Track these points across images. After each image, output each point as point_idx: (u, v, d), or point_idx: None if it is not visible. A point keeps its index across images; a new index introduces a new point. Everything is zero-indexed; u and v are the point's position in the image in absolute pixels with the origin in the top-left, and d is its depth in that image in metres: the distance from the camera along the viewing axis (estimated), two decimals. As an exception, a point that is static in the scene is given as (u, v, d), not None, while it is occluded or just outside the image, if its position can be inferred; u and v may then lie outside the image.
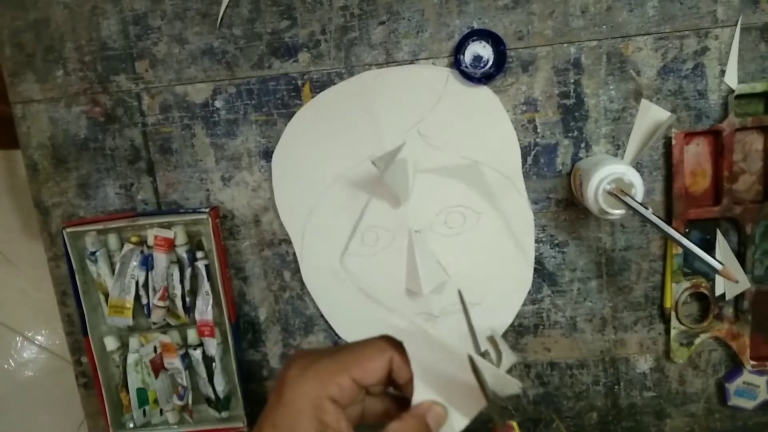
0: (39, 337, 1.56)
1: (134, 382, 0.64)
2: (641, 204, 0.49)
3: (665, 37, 0.55)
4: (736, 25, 0.55)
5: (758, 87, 0.55)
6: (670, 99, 0.57)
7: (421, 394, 0.34)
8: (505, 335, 0.63)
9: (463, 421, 0.34)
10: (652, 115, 0.57)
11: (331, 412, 0.31)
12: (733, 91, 0.56)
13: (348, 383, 0.32)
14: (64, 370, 1.51)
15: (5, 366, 1.55)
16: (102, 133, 0.61)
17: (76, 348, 0.67)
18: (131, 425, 0.65)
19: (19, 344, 1.55)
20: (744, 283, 0.58)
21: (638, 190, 0.51)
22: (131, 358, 0.63)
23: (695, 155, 0.58)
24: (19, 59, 0.60)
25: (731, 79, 0.56)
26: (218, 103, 0.60)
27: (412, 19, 0.57)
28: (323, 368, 0.32)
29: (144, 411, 0.64)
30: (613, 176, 0.51)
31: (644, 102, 0.57)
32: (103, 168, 0.62)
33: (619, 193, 0.50)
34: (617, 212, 0.51)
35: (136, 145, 0.61)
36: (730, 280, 0.47)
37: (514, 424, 0.34)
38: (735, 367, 0.62)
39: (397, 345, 0.34)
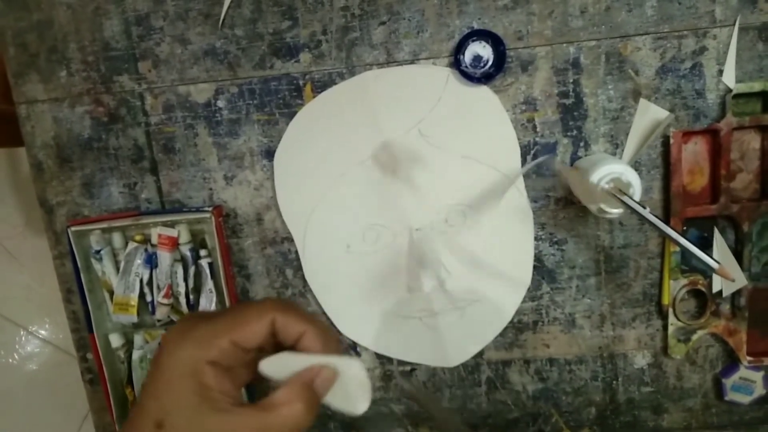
0: (42, 332, 1.57)
1: (139, 378, 0.65)
2: (639, 203, 0.50)
3: (664, 37, 0.56)
4: (734, 24, 0.55)
5: (756, 86, 0.56)
6: (669, 98, 0.57)
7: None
8: (504, 331, 0.64)
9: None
10: (651, 114, 0.57)
11: (212, 375, 0.31)
12: (730, 90, 0.56)
13: (227, 346, 0.32)
14: (67, 364, 1.53)
15: (10, 360, 1.56)
16: (105, 132, 0.62)
17: (82, 345, 0.68)
18: (136, 420, 0.66)
19: (23, 339, 1.57)
20: (741, 281, 0.59)
21: (636, 190, 0.51)
22: (136, 354, 0.64)
23: (693, 154, 0.58)
24: (23, 59, 0.61)
25: (729, 78, 0.56)
26: (220, 103, 0.60)
27: (412, 19, 0.57)
28: (201, 332, 0.32)
29: (149, 406, 0.65)
30: (611, 176, 0.51)
31: (643, 101, 0.57)
32: (107, 167, 0.63)
33: (617, 192, 0.51)
34: (615, 211, 0.52)
35: (139, 145, 0.62)
36: (727, 279, 0.48)
37: None
38: (732, 362, 0.63)
39: (282, 307, 0.33)
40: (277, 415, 0.31)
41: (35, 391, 1.56)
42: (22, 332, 1.57)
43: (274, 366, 0.34)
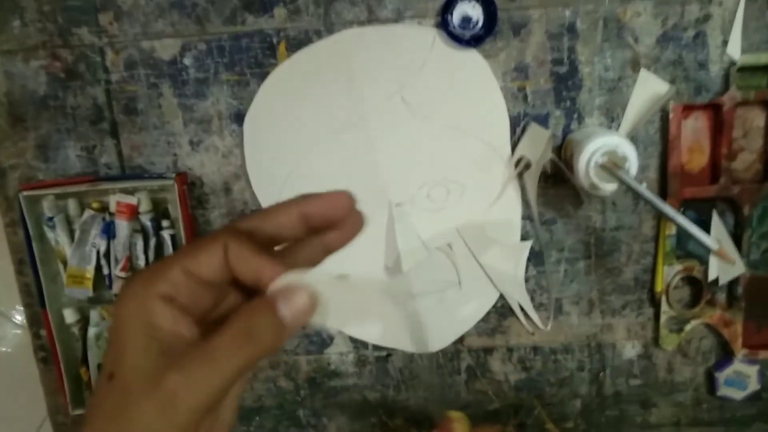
0: (18, 317, 1.53)
1: (95, 357, 0.60)
2: (635, 179, 0.46)
3: (666, 3, 0.52)
4: (741, -9, 0.51)
5: (763, 59, 0.52)
6: (669, 69, 0.53)
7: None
8: (487, 317, 0.60)
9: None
10: (651, 86, 0.53)
11: (162, 313, 0.26)
12: (735, 63, 0.52)
13: (179, 276, 0.27)
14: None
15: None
16: (62, 90, 0.57)
17: (35, 320, 0.63)
18: (91, 402, 0.61)
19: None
20: (738, 268, 0.55)
21: (632, 164, 0.48)
22: (92, 331, 0.60)
23: (693, 130, 0.55)
24: (-28, 7, 0.56)
25: (734, 49, 0.52)
26: (187, 61, 0.55)
27: (397, -26, 0.53)
28: (151, 269, 0.27)
29: (105, 388, 0.61)
30: (605, 148, 0.48)
31: (644, 72, 0.53)
32: (63, 128, 0.58)
33: (611, 166, 0.47)
34: (609, 187, 0.48)
35: (98, 104, 0.57)
36: (726, 261, 0.44)
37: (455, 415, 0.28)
38: (725, 355, 0.59)
39: (237, 234, 0.27)
40: (220, 342, 0.26)
41: (6, 373, 1.52)
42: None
43: None
